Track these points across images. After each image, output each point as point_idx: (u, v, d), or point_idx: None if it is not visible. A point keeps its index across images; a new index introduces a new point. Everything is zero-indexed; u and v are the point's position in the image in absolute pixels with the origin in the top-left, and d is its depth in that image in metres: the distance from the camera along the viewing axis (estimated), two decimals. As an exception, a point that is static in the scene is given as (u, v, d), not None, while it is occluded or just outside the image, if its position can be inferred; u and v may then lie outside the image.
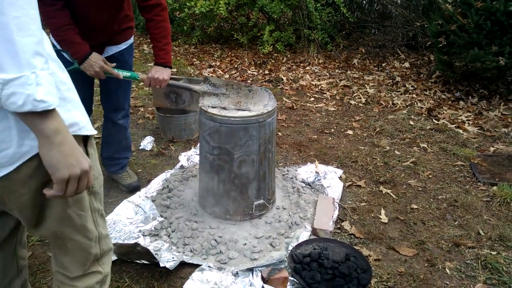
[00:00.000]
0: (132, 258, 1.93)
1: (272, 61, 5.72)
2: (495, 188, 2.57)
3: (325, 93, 4.49)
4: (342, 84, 4.79)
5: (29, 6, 0.76)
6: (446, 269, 1.94)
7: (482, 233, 2.19)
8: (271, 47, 5.70)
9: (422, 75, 5.02)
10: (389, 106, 4.13)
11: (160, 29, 2.12)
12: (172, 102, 3.13)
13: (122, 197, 2.41)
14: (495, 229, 2.22)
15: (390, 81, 4.88)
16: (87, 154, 1.02)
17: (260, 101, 2.10)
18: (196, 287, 1.74)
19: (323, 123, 3.71)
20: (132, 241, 1.97)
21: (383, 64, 5.52)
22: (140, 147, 3.11)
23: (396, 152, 3.13)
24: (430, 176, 2.79)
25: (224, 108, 2.05)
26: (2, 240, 1.15)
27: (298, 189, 2.49)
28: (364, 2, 6.90)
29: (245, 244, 2.00)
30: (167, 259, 1.88)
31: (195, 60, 5.83)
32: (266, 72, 5.27)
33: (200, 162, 2.21)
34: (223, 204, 2.14)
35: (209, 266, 1.86)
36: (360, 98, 4.31)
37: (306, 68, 5.42)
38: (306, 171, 2.72)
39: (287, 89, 4.62)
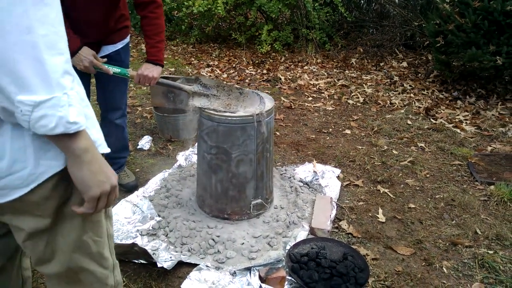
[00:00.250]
0: (129, 257, 1.92)
1: (270, 60, 5.72)
2: (492, 187, 2.58)
3: (323, 93, 4.50)
4: (340, 83, 4.80)
5: (58, 23, 0.73)
6: (443, 268, 1.94)
7: (479, 232, 2.19)
8: (269, 46, 5.70)
9: (420, 74, 5.02)
10: (387, 105, 4.13)
11: (154, 26, 2.09)
12: (170, 101, 3.12)
13: (120, 197, 2.40)
14: (492, 228, 2.22)
15: (388, 80, 4.89)
16: None
17: (251, 104, 2.05)
18: (194, 287, 1.74)
19: (321, 122, 3.71)
20: (130, 241, 1.97)
21: (381, 64, 5.53)
22: (138, 147, 3.10)
23: (394, 151, 3.14)
24: (428, 175, 2.79)
25: (214, 110, 2.01)
26: (8, 257, 1.09)
27: (296, 189, 2.49)
28: (362, 1, 6.90)
29: (243, 243, 2.00)
30: (165, 258, 1.88)
31: (193, 59, 5.83)
32: (264, 71, 5.27)
33: (198, 161, 2.21)
34: (221, 204, 2.14)
35: (206, 266, 1.86)
36: (358, 97, 4.32)
37: (304, 67, 5.42)
38: (304, 171, 2.72)
39: (285, 89, 4.62)
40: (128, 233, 2.06)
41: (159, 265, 1.81)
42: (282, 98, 4.26)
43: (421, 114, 3.88)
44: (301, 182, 2.60)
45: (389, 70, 5.27)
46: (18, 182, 0.81)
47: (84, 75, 2.00)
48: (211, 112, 1.98)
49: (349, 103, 4.19)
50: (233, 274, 1.83)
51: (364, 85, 4.70)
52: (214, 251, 1.96)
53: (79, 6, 1.89)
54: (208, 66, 5.51)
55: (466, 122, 3.68)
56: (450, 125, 3.60)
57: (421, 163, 2.94)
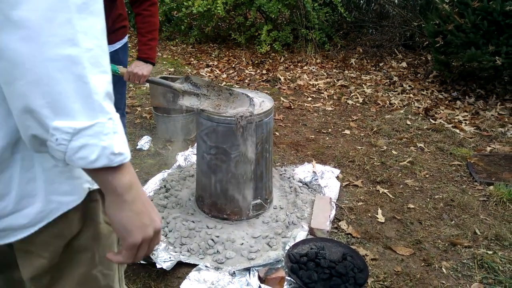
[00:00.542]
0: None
1: (270, 60, 5.72)
2: (491, 187, 2.58)
3: (323, 93, 4.50)
4: (339, 83, 4.80)
5: (103, 36, 0.62)
6: (443, 269, 1.95)
7: (479, 233, 2.20)
8: (269, 46, 5.70)
9: (419, 74, 5.03)
10: (386, 105, 4.13)
11: (147, 23, 2.09)
12: (169, 101, 3.12)
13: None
14: (492, 229, 2.22)
15: (388, 81, 4.89)
16: None
17: (240, 106, 2.01)
18: (193, 287, 1.74)
19: (321, 122, 3.71)
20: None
21: (381, 64, 5.53)
22: (137, 147, 3.10)
23: (393, 151, 3.14)
24: (427, 175, 2.79)
25: (203, 111, 2.00)
26: None
27: (295, 189, 2.49)
28: (361, 2, 6.91)
29: (242, 243, 2.00)
30: (164, 259, 1.88)
31: (192, 59, 5.83)
32: (264, 71, 5.27)
33: (197, 161, 2.21)
34: (220, 204, 2.14)
35: (206, 266, 1.86)
36: (358, 98, 4.32)
37: (304, 67, 5.42)
38: (304, 171, 2.72)
39: (284, 89, 4.62)
40: (128, 234, 2.06)
41: (158, 265, 1.81)
42: (282, 98, 4.26)
43: (421, 115, 3.88)
44: (301, 182, 2.61)
45: (388, 70, 5.28)
46: (24, 222, 0.70)
47: None
48: (210, 112, 1.98)
49: (348, 103, 4.19)
50: (233, 274, 1.83)
51: (363, 85, 4.70)
52: (213, 252, 1.96)
53: None
54: (208, 66, 5.51)
55: (465, 123, 3.68)
56: (450, 126, 3.60)
57: (421, 164, 2.94)
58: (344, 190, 2.60)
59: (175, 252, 1.96)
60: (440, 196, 2.54)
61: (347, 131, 3.50)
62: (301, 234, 2.09)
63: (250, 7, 5.81)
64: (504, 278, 1.88)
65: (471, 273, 1.92)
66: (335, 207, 2.35)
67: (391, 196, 2.54)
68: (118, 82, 2.27)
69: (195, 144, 2.51)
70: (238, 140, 1.95)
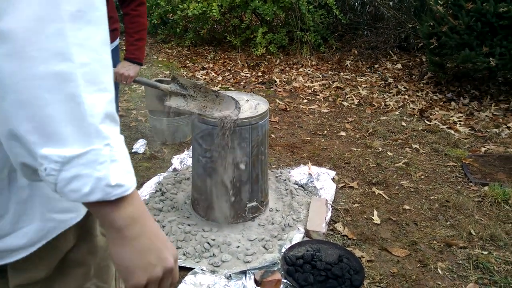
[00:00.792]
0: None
1: (265, 63, 5.72)
2: (486, 188, 2.59)
3: (318, 95, 4.51)
4: (335, 85, 4.81)
5: (102, 49, 0.54)
6: (438, 269, 1.95)
7: (474, 233, 2.20)
8: (264, 49, 5.72)
9: (414, 76, 5.05)
10: (381, 107, 4.15)
11: (135, 23, 2.07)
12: (164, 104, 3.11)
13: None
14: (487, 229, 2.23)
15: (383, 82, 4.91)
16: None
17: (226, 108, 2.00)
18: (189, 291, 1.73)
19: (316, 124, 3.72)
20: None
21: (376, 66, 5.55)
22: (133, 150, 3.09)
23: (389, 153, 3.15)
24: (422, 176, 2.80)
25: (190, 112, 1.99)
26: None
27: (291, 191, 2.49)
28: (356, 4, 6.93)
29: (238, 246, 2.00)
30: (160, 262, 1.87)
31: (188, 62, 5.83)
32: (259, 74, 5.27)
33: (193, 165, 2.21)
34: (216, 207, 2.14)
35: (202, 269, 1.86)
36: (353, 99, 4.33)
37: (299, 70, 5.44)
38: (299, 173, 2.73)
39: (280, 91, 4.63)
40: (123, 237, 2.05)
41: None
42: (277, 101, 4.27)
43: (416, 116, 3.89)
44: (296, 184, 2.61)
45: (383, 72, 5.30)
46: (23, 242, 0.65)
47: None
48: (206, 115, 1.97)
49: (344, 105, 4.20)
50: (229, 277, 1.82)
51: (358, 87, 4.72)
52: (209, 255, 1.96)
53: None
54: (203, 68, 5.51)
55: (460, 123, 3.70)
56: (444, 127, 3.62)
57: (416, 165, 2.95)
58: (340, 191, 2.60)
59: (171, 255, 1.95)
60: (435, 197, 2.55)
61: (343, 133, 3.51)
62: (297, 236, 2.09)
63: (246, 10, 5.82)
64: (499, 278, 1.89)
65: (466, 274, 1.93)
66: (331, 209, 2.36)
67: (386, 197, 2.55)
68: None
69: (191, 147, 2.50)
70: (223, 142, 1.95)
